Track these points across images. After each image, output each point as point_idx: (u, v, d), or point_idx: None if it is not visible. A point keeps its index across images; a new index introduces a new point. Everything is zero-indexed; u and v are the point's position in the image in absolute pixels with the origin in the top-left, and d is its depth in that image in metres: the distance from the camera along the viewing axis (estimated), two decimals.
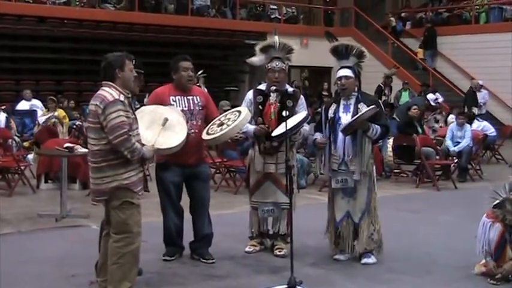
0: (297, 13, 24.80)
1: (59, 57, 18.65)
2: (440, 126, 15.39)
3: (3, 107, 14.28)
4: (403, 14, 25.25)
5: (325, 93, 21.10)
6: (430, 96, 17.65)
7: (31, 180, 10.55)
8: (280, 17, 23.71)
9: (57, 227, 7.90)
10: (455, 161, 12.39)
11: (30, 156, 11.98)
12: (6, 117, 13.37)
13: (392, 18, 24.95)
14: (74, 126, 12.10)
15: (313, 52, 20.16)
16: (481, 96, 19.36)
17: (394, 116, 16.31)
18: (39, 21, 18.55)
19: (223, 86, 20.97)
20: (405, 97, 19.07)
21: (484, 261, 5.91)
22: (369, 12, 25.30)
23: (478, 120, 14.62)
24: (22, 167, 10.41)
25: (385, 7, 27.17)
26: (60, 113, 14.88)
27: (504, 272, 5.69)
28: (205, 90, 17.46)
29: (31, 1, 18.61)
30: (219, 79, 21.07)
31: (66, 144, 8.65)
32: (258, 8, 23.90)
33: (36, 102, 15.77)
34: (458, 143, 12.36)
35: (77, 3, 19.48)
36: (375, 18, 24.93)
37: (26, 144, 13.20)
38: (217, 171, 11.01)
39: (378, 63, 22.02)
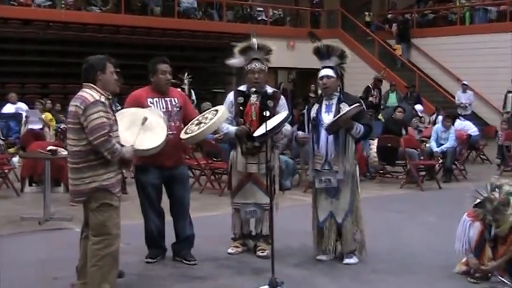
0: (284, 15, 24.84)
1: (45, 60, 18.59)
2: (426, 127, 15.45)
3: None
4: (389, 16, 25.31)
5: (312, 95, 21.11)
6: (418, 107, 17.70)
7: (16, 184, 10.52)
8: (266, 19, 23.76)
9: (40, 230, 7.86)
10: (440, 161, 12.43)
11: (15, 159, 11.91)
12: None
13: (366, 13, 25.10)
14: (60, 130, 12.08)
15: (300, 54, 20.23)
16: (466, 97, 19.45)
17: (380, 117, 16.40)
18: (25, 23, 18.48)
19: (210, 88, 20.97)
20: (392, 98, 19.13)
21: (464, 260, 5.94)
22: (355, 14, 25.37)
23: (460, 119, 14.68)
24: (6, 171, 10.36)
25: (371, 9, 27.24)
26: (47, 116, 14.85)
27: (486, 270, 5.71)
28: (192, 92, 17.66)
29: (16, 4, 18.52)
30: (206, 81, 21.07)
31: (49, 147, 8.62)
32: (245, 10, 23.92)
33: (22, 105, 15.70)
34: (443, 144, 12.39)
35: (63, 5, 19.40)
36: (362, 20, 25.00)
37: (12, 150, 13.11)
38: (203, 173, 11.00)
39: (365, 65, 22.13)
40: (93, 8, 19.97)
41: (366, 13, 25.35)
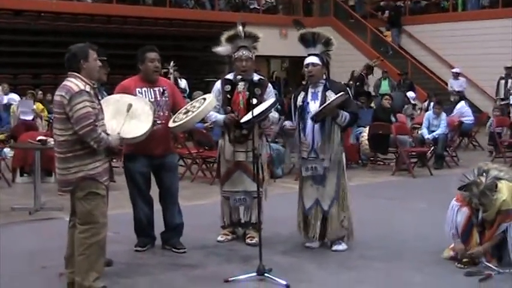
0: (276, 3, 24.79)
1: (37, 50, 18.53)
2: (418, 114, 15.49)
3: None
4: (382, 3, 25.27)
5: (304, 83, 21.10)
6: (410, 94, 17.71)
7: (7, 174, 10.52)
8: (259, 7, 23.73)
9: (31, 220, 7.88)
10: (432, 148, 12.46)
11: (7, 150, 11.90)
12: None
13: None
14: (51, 120, 12.02)
15: (292, 42, 20.03)
16: (459, 84, 19.45)
17: (372, 105, 16.41)
18: (16, 14, 18.45)
19: (203, 77, 20.95)
20: (385, 86, 19.17)
21: (452, 245, 5.97)
22: (348, 1, 25.32)
23: (465, 102, 14.80)
24: None
25: None
26: (38, 106, 14.83)
27: (473, 255, 5.74)
28: (183, 81, 17.65)
29: None
30: (199, 70, 21.07)
31: (39, 137, 8.62)
32: None
33: (14, 96, 15.68)
34: (434, 131, 12.42)
35: None
36: (354, 7, 24.96)
37: (1, 137, 13.11)
38: (194, 162, 11.01)
39: (358, 53, 22.17)
40: None
41: None
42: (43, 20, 18.77)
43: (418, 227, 7.32)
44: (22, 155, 10.28)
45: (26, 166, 10.36)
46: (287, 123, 6.44)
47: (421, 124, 13.24)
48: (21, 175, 10.55)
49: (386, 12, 24.55)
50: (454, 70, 19.75)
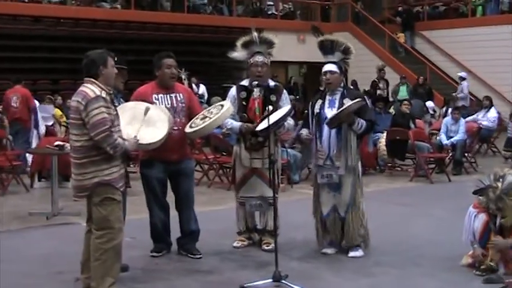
0: (294, 9, 24.78)
1: (56, 56, 18.65)
2: (436, 119, 15.41)
3: None
4: (400, 8, 25.20)
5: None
6: (429, 104, 17.60)
7: (25, 179, 10.58)
8: (276, 13, 23.73)
9: (48, 225, 7.92)
10: (450, 154, 12.39)
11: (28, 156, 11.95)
12: (0, 117, 13.35)
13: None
14: (68, 125, 12.07)
15: (310, 48, 20.05)
16: (460, 88, 19.26)
17: (391, 110, 16.35)
18: (35, 20, 18.58)
19: (220, 82, 20.96)
20: (403, 92, 19.08)
21: (470, 252, 5.92)
22: (365, 7, 25.28)
23: (495, 108, 14.87)
24: (16, 166, 10.44)
25: (382, 2, 27.13)
26: (57, 112, 14.90)
27: (498, 246, 5.66)
28: (201, 87, 17.70)
29: (27, 0, 18.61)
30: (216, 76, 21.10)
31: (57, 143, 8.67)
32: (255, 5, 23.90)
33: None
34: (452, 137, 12.34)
35: (73, 2, 19.51)
36: (372, 13, 24.90)
37: None
38: (211, 168, 11.01)
39: (375, 58, 22.07)
40: (103, 4, 20.03)
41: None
42: (62, 26, 18.89)
43: (435, 233, 7.27)
44: (40, 159, 10.34)
45: (44, 171, 10.42)
46: (304, 132, 6.42)
47: (439, 130, 13.15)
48: (39, 180, 10.61)
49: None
50: (459, 74, 19.65)
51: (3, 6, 18.14)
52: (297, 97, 20.03)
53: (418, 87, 19.35)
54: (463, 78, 19.27)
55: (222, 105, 6.12)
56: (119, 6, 20.30)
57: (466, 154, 12.65)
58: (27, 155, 11.23)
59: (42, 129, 12.90)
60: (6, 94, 12.38)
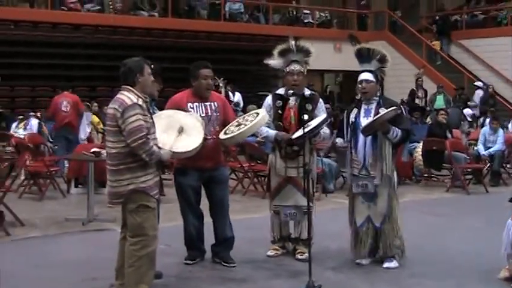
0: (330, 17, 24.72)
1: (93, 63, 18.86)
2: (474, 129, 15.23)
3: (38, 114, 14.50)
4: (437, 17, 24.98)
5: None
6: (467, 111, 17.40)
7: (62, 185, 10.71)
8: (313, 21, 23.70)
9: (83, 230, 7.99)
10: (488, 165, 12.23)
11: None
12: (39, 123, 13.56)
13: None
14: (105, 132, 12.17)
15: (346, 56, 20.03)
16: (473, 97, 19.02)
17: (428, 120, 16.21)
18: (74, 28, 18.81)
19: (256, 90, 20.98)
20: (440, 101, 18.89)
21: (509, 265, 5.82)
22: (402, 15, 25.11)
23: None
24: (53, 172, 10.57)
25: (419, 10, 26.93)
26: (94, 118, 15.05)
27: None
28: (237, 95, 17.74)
29: (66, 9, 18.86)
30: (252, 84, 21.11)
31: (93, 149, 8.75)
32: (291, 13, 23.89)
33: None
34: (491, 147, 12.18)
35: (111, 10, 19.70)
36: (409, 21, 24.73)
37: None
38: (246, 176, 11.02)
39: (412, 67, 21.87)
40: (141, 12, 20.21)
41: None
42: (100, 34, 19.09)
43: (471, 245, 7.17)
44: (77, 166, 10.45)
45: (81, 177, 10.53)
46: (339, 141, 6.39)
47: (476, 140, 13.00)
48: (76, 186, 10.72)
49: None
50: (475, 84, 19.44)
51: (43, 15, 18.46)
52: (334, 107, 19.94)
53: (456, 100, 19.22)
54: (477, 87, 19.09)
55: (258, 113, 6.12)
56: (156, 14, 20.48)
57: (504, 165, 12.47)
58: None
59: (85, 134, 13.11)
60: (55, 100, 12.60)
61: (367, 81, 6.28)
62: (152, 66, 5.28)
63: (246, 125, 5.97)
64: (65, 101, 12.39)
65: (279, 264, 6.41)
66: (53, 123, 14.47)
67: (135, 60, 5.13)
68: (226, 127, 6.12)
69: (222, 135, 6.05)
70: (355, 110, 6.37)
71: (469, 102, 18.66)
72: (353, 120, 6.31)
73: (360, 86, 6.35)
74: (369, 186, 6.19)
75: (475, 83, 19.48)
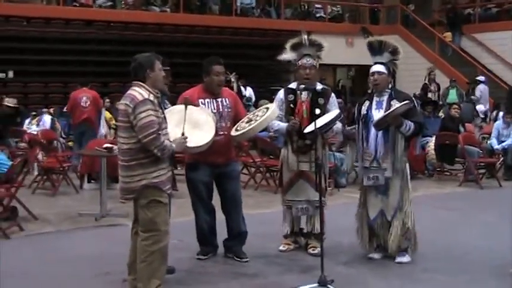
0: (342, 12, 24.65)
1: (105, 59, 18.90)
2: (487, 123, 15.14)
3: (51, 109, 14.58)
4: (448, 9, 24.83)
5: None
6: (480, 107, 17.27)
7: (75, 181, 10.76)
8: (325, 16, 23.65)
9: (97, 226, 8.03)
10: (501, 159, 12.17)
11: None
12: (52, 119, 13.62)
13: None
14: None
15: (358, 51, 20.01)
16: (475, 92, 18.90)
17: (440, 114, 16.13)
18: (86, 24, 18.86)
19: (268, 85, 20.98)
20: (452, 95, 18.77)
21: None
22: (415, 9, 24.98)
23: None
24: (65, 168, 10.62)
25: (432, 4, 26.79)
26: (106, 114, 15.08)
27: None
28: (248, 89, 17.73)
29: (78, 5, 18.92)
30: (264, 79, 21.11)
31: (105, 145, 8.78)
32: (303, 8, 23.84)
33: None
34: (504, 141, 12.11)
35: (123, 6, 19.75)
36: (422, 15, 24.60)
37: (70, 143, 13.43)
38: (258, 171, 11.02)
39: (425, 61, 21.77)
40: (152, 8, 20.24)
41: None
42: (112, 29, 19.14)
43: (484, 239, 7.14)
44: (89, 161, 10.49)
45: (93, 173, 10.57)
46: (347, 128, 6.40)
47: (490, 134, 12.93)
48: (89, 181, 10.77)
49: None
50: (477, 78, 19.29)
51: (55, 11, 18.54)
52: (347, 103, 19.91)
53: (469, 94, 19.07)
54: (479, 82, 18.94)
55: (267, 108, 6.12)
56: (168, 9, 20.49)
57: None
58: None
59: (103, 130, 13.16)
60: (73, 95, 12.56)
61: (379, 72, 6.26)
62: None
63: (256, 120, 5.98)
64: (84, 97, 12.40)
65: (291, 259, 6.41)
66: (65, 119, 14.59)
67: (145, 56, 5.13)
68: (237, 124, 6.12)
69: (233, 132, 6.06)
70: (366, 103, 6.35)
71: (472, 97, 18.50)
72: (365, 112, 6.29)
73: (371, 77, 6.34)
74: (379, 178, 6.16)
75: (477, 78, 19.31)
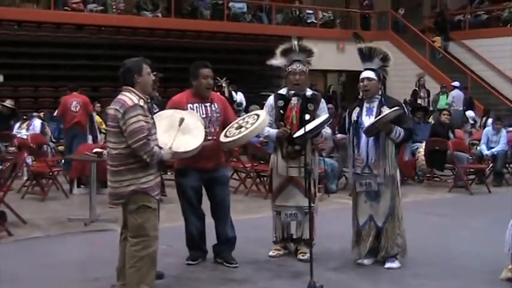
0: (334, 17, 24.70)
1: (97, 64, 18.86)
2: (476, 130, 15.20)
3: (41, 114, 14.53)
4: (439, 19, 24.93)
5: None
6: (470, 113, 17.32)
7: (65, 186, 10.71)
8: (316, 21, 23.69)
9: (86, 231, 8.00)
10: (491, 165, 12.21)
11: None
12: (42, 123, 13.57)
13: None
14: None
15: (349, 56, 20.05)
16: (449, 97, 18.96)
17: (430, 120, 16.19)
18: (78, 28, 18.83)
19: (259, 90, 20.98)
20: (443, 101, 18.88)
21: (511, 266, 5.80)
22: (406, 15, 25.07)
23: None
24: (55, 172, 10.58)
25: (422, 10, 26.89)
26: (97, 119, 15.06)
27: None
28: (239, 94, 17.72)
29: (69, 9, 18.88)
30: (255, 84, 21.14)
31: (95, 150, 8.76)
32: (294, 13, 23.86)
33: None
34: (493, 147, 12.16)
35: (114, 10, 19.72)
36: (412, 21, 24.69)
37: (60, 148, 13.39)
38: (248, 176, 11.01)
39: (415, 67, 21.85)
40: (144, 13, 20.22)
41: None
42: (103, 34, 19.12)
43: (474, 245, 7.16)
44: (79, 166, 10.45)
45: (83, 177, 10.53)
46: (338, 135, 6.41)
47: (479, 140, 12.99)
48: (78, 186, 10.73)
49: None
50: (453, 84, 19.36)
51: (46, 15, 18.48)
52: (338, 109, 19.93)
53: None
54: (454, 87, 19.02)
55: (258, 115, 6.11)
56: (159, 14, 20.49)
57: (507, 165, 12.45)
58: None
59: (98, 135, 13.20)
60: (64, 99, 12.54)
61: (368, 79, 6.28)
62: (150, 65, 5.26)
63: (246, 127, 5.96)
64: (74, 101, 12.38)
65: (280, 264, 6.40)
66: (55, 123, 14.56)
67: (134, 61, 5.13)
68: (226, 129, 6.11)
69: (222, 138, 6.04)
70: (357, 109, 6.36)
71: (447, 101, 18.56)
72: (355, 119, 6.30)
73: (361, 83, 6.35)
74: (372, 184, 6.18)
75: (453, 84, 19.36)
